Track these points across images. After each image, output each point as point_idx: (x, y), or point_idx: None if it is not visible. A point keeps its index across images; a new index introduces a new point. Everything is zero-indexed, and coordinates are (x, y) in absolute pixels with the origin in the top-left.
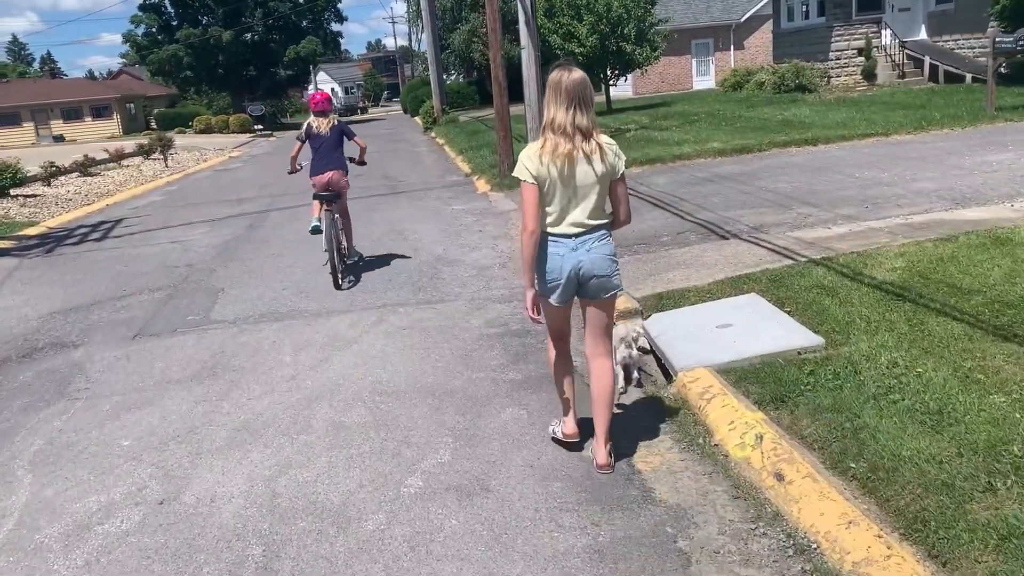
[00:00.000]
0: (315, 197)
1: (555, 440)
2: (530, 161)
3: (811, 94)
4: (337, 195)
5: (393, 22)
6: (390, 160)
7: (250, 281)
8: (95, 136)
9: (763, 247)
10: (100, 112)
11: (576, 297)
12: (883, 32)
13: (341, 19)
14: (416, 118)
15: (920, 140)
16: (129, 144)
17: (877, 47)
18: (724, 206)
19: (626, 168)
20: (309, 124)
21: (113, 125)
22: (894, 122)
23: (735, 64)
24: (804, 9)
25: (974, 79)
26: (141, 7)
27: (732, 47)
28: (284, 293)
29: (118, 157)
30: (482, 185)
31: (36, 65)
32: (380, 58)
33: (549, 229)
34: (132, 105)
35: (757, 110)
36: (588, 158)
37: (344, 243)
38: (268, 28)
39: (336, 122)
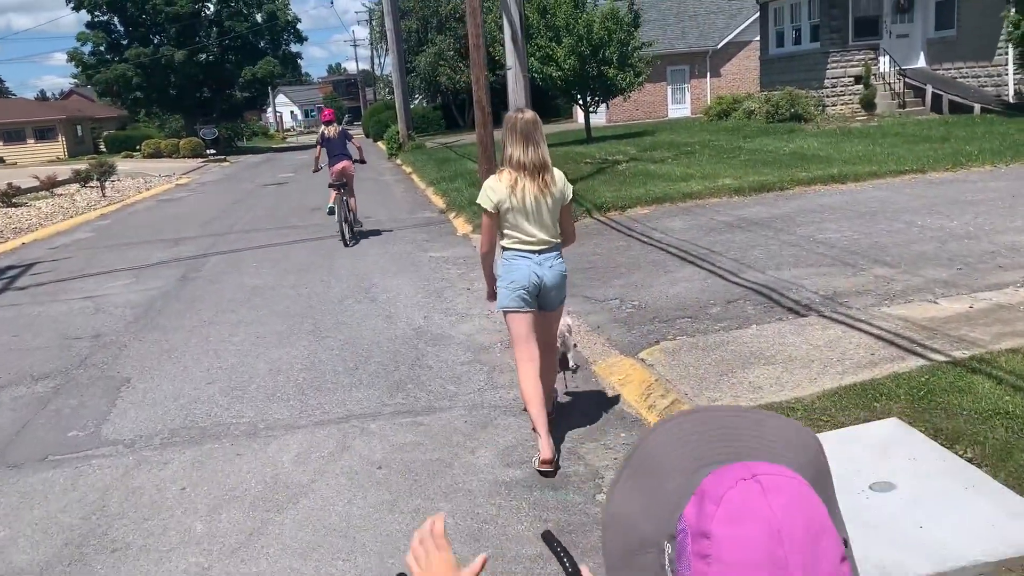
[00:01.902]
0: (331, 186)
1: (539, 472)
2: (493, 192)
3: (807, 124)
4: (346, 183)
5: (355, 45)
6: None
7: (167, 367)
8: (39, 160)
9: (863, 331)
10: (44, 134)
11: (533, 306)
12: (880, 59)
13: (300, 39)
14: (380, 143)
15: (965, 179)
16: (64, 170)
17: (875, 75)
18: (772, 263)
19: (630, 207)
20: (322, 132)
21: (58, 147)
22: (925, 157)
23: (711, 92)
24: (795, 34)
25: (984, 110)
26: (88, 24)
27: (708, 74)
28: (209, 390)
29: (49, 185)
30: (461, 225)
31: None
32: (341, 81)
33: (516, 246)
34: (80, 127)
35: (756, 141)
36: (542, 189)
37: (353, 217)
38: (224, 48)
39: (340, 129)
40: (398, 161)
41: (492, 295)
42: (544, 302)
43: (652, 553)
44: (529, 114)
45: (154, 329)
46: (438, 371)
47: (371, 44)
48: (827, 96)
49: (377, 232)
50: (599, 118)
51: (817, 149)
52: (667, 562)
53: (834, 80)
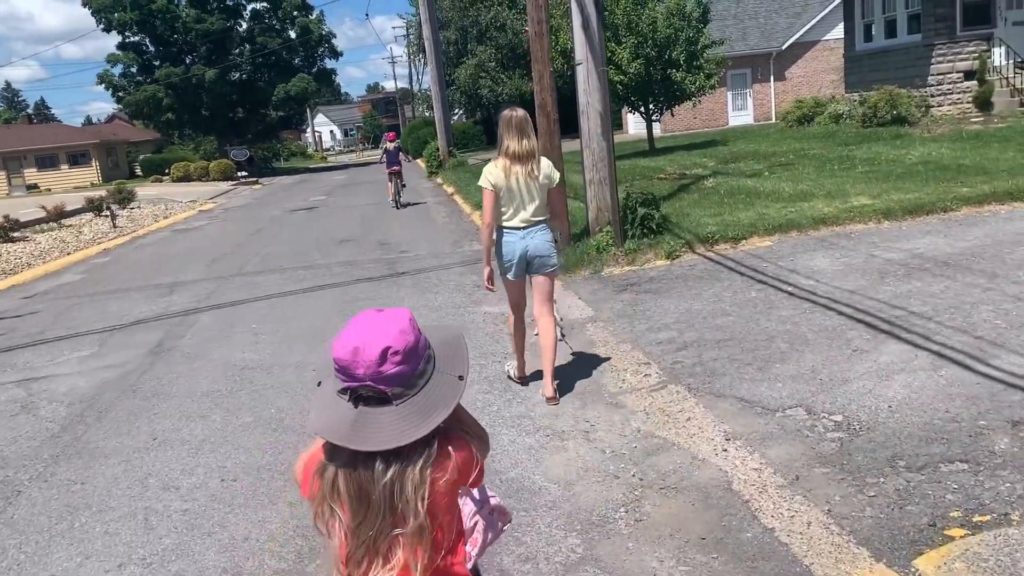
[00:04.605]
0: (389, 178)
1: (509, 377)
2: (492, 175)
3: (912, 127)
4: (398, 172)
5: (393, 62)
6: (388, 217)
7: (56, 553)
8: (71, 186)
9: None
10: (77, 159)
11: (527, 275)
12: (995, 51)
13: (336, 55)
14: (419, 161)
15: None
16: (76, 199)
17: (990, 68)
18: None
19: (744, 239)
20: (384, 146)
21: (92, 173)
22: None
23: (776, 97)
24: (888, 26)
25: None
26: (119, 45)
27: (772, 78)
28: None
29: (57, 216)
30: None
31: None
32: (380, 99)
33: (505, 224)
34: (115, 151)
35: (863, 148)
36: (530, 174)
37: (401, 196)
38: (256, 66)
39: (396, 145)
40: (439, 180)
41: (489, 274)
42: (533, 267)
43: None
44: (520, 112)
45: (77, 455)
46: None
47: (409, 57)
48: (931, 95)
49: (416, 271)
50: (644, 128)
51: (955, 157)
52: None
53: (940, 77)
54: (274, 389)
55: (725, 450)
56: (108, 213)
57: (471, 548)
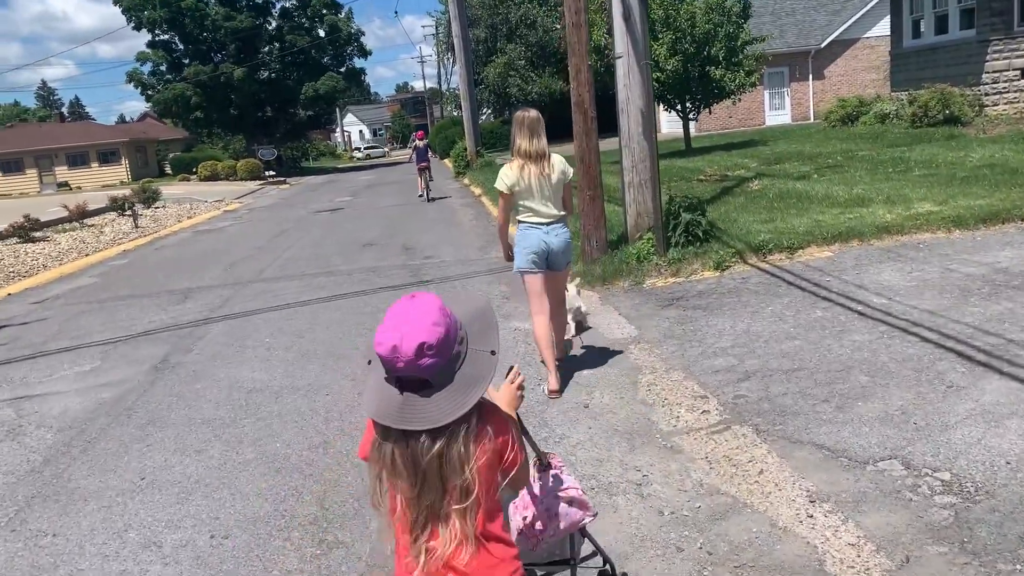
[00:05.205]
0: (419, 173)
1: (545, 393)
2: (507, 177)
3: (967, 128)
4: (427, 167)
5: (422, 61)
6: (413, 219)
7: None
8: (101, 183)
9: None
10: (107, 157)
11: (546, 270)
12: None
13: (365, 54)
14: (446, 161)
15: None
16: (101, 197)
17: None
18: None
19: (801, 248)
20: (415, 144)
21: (122, 171)
22: None
23: (814, 96)
24: (938, 22)
25: None
26: (149, 44)
27: (811, 76)
28: None
29: (79, 215)
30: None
31: (65, 111)
32: (409, 99)
33: (529, 219)
34: (145, 150)
35: (917, 150)
36: (543, 171)
37: (430, 190)
38: (285, 65)
39: (425, 143)
40: (465, 181)
41: (508, 258)
42: (552, 264)
43: None
44: (533, 113)
45: (54, 498)
46: None
47: (437, 55)
48: (985, 94)
49: (441, 279)
50: (679, 127)
51: (1023, 160)
52: None
53: (995, 75)
54: (281, 418)
55: (811, 516)
56: (130, 213)
57: (541, 530)
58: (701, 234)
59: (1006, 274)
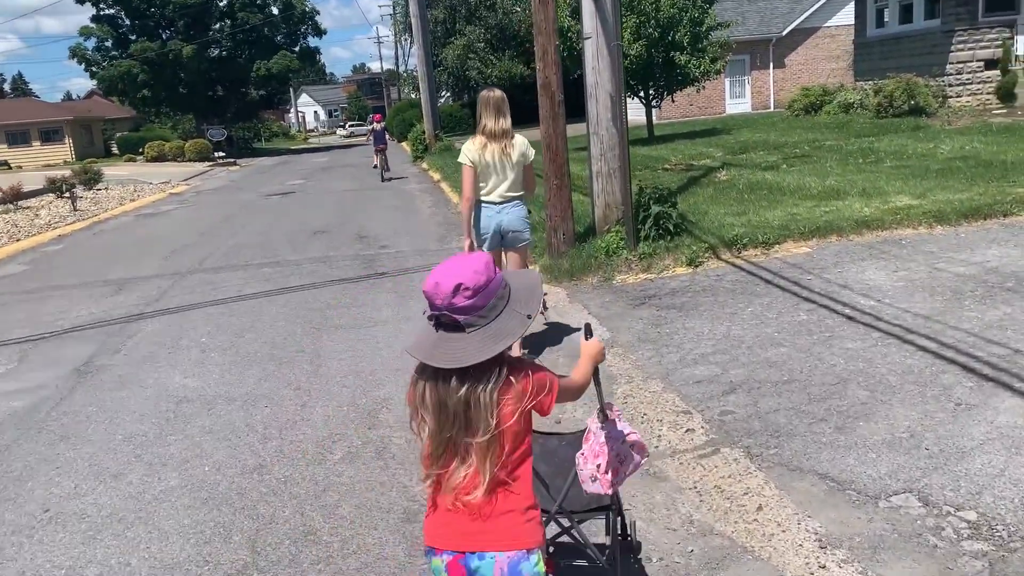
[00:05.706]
0: (375, 155)
1: None
2: (470, 152)
3: (931, 118)
4: (384, 149)
5: (379, 42)
6: (369, 205)
7: None
8: (43, 163)
9: None
10: (50, 136)
11: (502, 248)
12: (1018, 38)
13: (320, 33)
14: (403, 144)
15: None
16: (39, 178)
17: (1014, 58)
18: None
19: (777, 243)
20: (372, 127)
21: (65, 150)
22: None
23: (775, 84)
24: (903, 11)
25: None
26: (94, 18)
27: (772, 65)
28: None
29: (13, 197)
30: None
31: (8, 87)
32: (365, 80)
33: (483, 198)
34: (91, 129)
35: (884, 141)
36: (504, 150)
37: (385, 168)
38: (237, 43)
39: (383, 126)
40: (424, 165)
41: (469, 245)
42: (506, 241)
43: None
44: (499, 93)
45: None
46: None
47: (395, 36)
48: (949, 85)
49: (398, 272)
50: (643, 115)
51: (994, 152)
52: None
53: (959, 65)
54: (213, 435)
55: (823, 567)
56: (69, 195)
57: (612, 477)
58: (672, 227)
59: (997, 275)
